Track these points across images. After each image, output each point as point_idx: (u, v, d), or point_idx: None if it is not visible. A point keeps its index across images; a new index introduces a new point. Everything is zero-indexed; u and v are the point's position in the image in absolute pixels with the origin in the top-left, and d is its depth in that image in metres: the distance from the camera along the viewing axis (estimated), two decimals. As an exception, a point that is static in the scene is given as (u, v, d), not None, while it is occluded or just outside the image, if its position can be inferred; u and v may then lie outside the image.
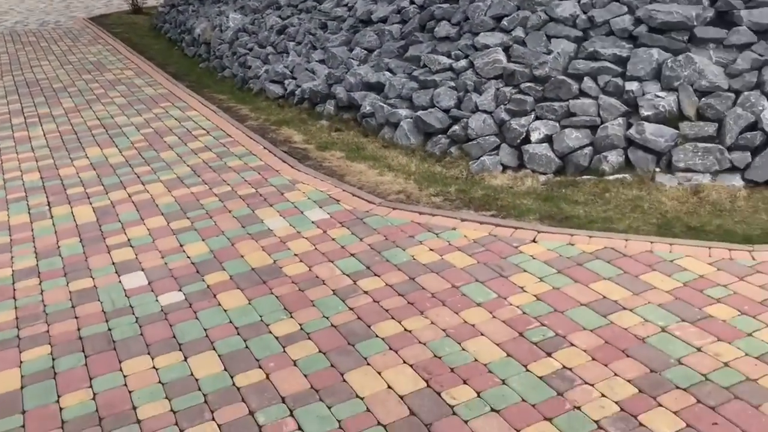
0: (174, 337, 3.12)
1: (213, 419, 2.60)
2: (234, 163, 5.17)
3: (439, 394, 2.65)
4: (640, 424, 2.42)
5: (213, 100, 7.19)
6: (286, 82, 6.96)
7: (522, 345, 2.90)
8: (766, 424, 2.38)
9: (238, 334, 3.11)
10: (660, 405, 2.50)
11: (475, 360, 2.83)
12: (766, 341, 2.80)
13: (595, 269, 3.44)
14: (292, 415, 2.59)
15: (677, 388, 2.58)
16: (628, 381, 2.64)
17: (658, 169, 4.49)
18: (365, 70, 6.18)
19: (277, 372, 2.84)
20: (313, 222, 4.14)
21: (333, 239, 3.91)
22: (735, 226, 3.87)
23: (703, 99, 4.58)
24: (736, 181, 4.31)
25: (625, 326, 2.97)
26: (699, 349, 2.79)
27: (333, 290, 3.41)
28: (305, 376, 2.80)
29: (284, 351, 2.97)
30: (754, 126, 4.41)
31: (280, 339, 3.05)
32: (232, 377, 2.83)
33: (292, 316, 3.21)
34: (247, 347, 3.01)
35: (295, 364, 2.87)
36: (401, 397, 2.64)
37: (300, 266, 3.65)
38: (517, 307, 3.17)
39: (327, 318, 3.19)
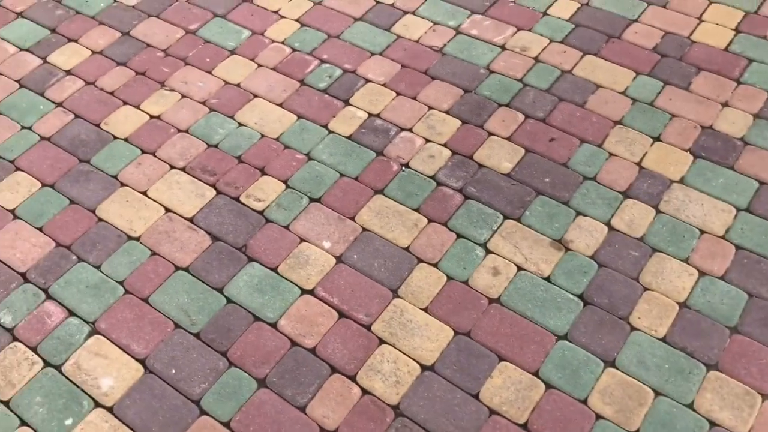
0: None
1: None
2: None
3: (238, 200, 2.02)
4: (480, 165, 2.08)
5: None
6: None
7: (311, 97, 2.28)
8: (598, 123, 2.18)
9: None
10: (491, 134, 2.16)
11: (263, 136, 2.18)
12: (562, 18, 2.50)
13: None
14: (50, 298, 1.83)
15: (500, 105, 2.24)
16: (446, 113, 2.22)
17: None
18: None
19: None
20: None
21: None
22: None
23: None
24: None
25: (416, 38, 2.46)
26: (503, 48, 2.41)
27: (19, 80, 2.34)
28: (45, 233, 1.96)
29: (-11, 201, 2.03)
30: None
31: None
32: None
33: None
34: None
35: (18, 218, 1.99)
36: (190, 220, 1.98)
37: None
38: (282, 43, 2.45)
39: (30, 129, 2.21)
